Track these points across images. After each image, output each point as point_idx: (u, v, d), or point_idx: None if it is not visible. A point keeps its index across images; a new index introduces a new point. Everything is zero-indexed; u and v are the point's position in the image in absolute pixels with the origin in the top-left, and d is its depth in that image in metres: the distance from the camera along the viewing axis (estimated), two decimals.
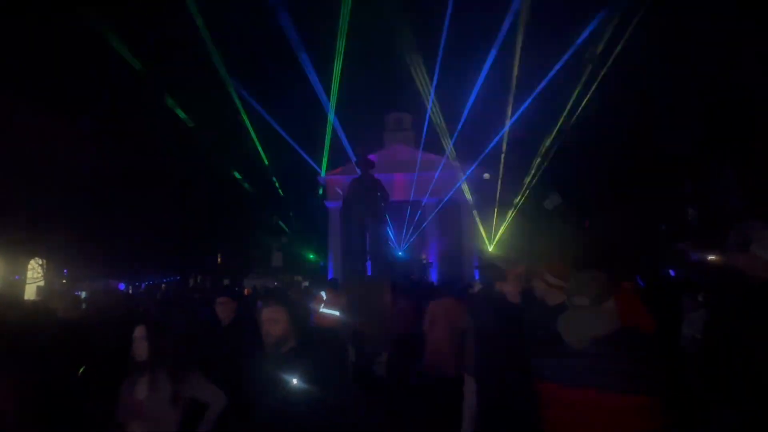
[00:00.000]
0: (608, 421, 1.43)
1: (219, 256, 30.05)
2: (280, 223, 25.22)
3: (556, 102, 15.65)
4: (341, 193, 20.53)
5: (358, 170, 7.19)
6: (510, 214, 22.30)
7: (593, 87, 14.42)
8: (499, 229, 22.81)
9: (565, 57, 13.82)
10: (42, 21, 16.30)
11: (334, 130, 16.77)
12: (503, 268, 3.13)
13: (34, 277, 18.38)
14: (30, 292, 17.95)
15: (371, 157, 7.36)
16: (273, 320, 2.10)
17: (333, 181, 23.50)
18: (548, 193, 21.39)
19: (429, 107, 17.02)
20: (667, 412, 1.40)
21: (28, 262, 18.48)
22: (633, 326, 1.76)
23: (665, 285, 4.58)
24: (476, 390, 3.24)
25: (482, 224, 22.73)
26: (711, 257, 15.97)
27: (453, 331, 4.49)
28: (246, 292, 16.02)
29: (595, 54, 13.68)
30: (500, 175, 21.12)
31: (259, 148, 17.62)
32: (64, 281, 18.11)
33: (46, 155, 15.76)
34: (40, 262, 18.40)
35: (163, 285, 19.22)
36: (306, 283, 16.44)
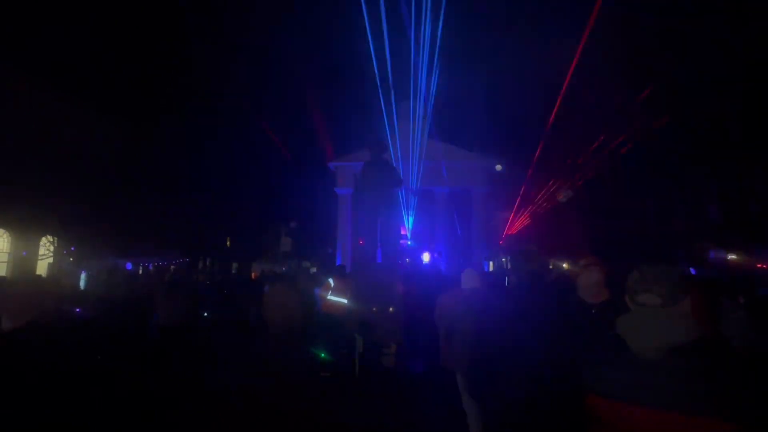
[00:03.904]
0: None
1: (228, 239, 30.09)
2: (290, 208, 25.16)
3: (575, 94, 15.17)
4: (352, 179, 20.31)
5: (370, 154, 6.91)
6: (522, 207, 21.94)
7: (615, 81, 13.91)
8: (510, 221, 22.50)
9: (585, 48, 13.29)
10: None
11: (345, 116, 16.53)
12: (544, 259, 2.87)
13: (43, 254, 18.53)
14: (42, 269, 18.17)
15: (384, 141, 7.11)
16: None
17: (343, 167, 23.20)
18: (563, 186, 21.01)
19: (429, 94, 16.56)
20: None
21: (39, 239, 18.64)
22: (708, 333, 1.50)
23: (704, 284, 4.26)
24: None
25: (493, 216, 22.43)
26: (732, 257, 15.57)
27: None
28: (253, 275, 16.01)
29: (616, 47, 13.15)
30: (513, 167, 20.76)
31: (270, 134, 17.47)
32: (72, 259, 18.22)
33: (61, 135, 15.79)
34: (51, 239, 18.52)
35: (172, 266, 19.28)
36: (314, 269, 16.34)
